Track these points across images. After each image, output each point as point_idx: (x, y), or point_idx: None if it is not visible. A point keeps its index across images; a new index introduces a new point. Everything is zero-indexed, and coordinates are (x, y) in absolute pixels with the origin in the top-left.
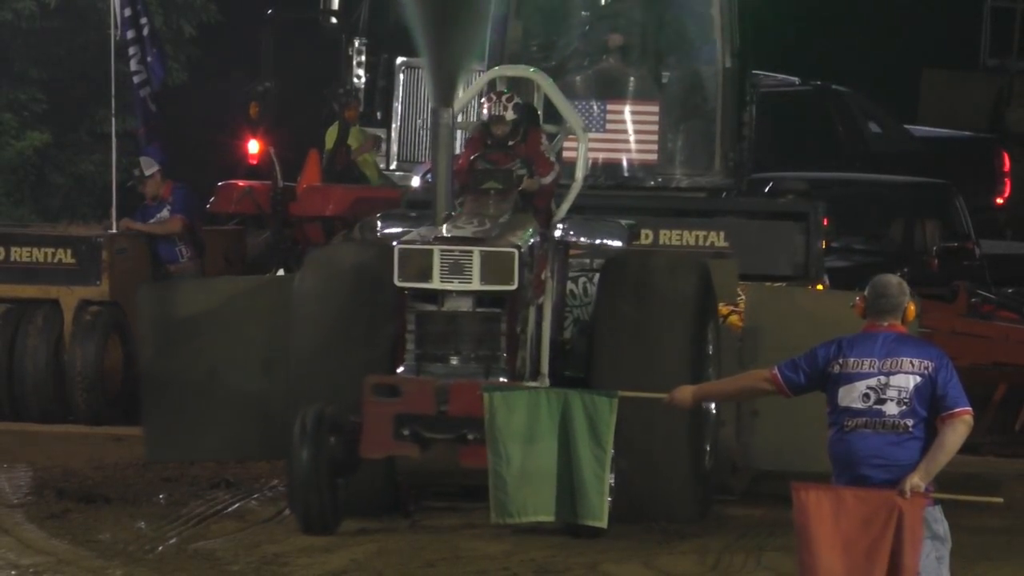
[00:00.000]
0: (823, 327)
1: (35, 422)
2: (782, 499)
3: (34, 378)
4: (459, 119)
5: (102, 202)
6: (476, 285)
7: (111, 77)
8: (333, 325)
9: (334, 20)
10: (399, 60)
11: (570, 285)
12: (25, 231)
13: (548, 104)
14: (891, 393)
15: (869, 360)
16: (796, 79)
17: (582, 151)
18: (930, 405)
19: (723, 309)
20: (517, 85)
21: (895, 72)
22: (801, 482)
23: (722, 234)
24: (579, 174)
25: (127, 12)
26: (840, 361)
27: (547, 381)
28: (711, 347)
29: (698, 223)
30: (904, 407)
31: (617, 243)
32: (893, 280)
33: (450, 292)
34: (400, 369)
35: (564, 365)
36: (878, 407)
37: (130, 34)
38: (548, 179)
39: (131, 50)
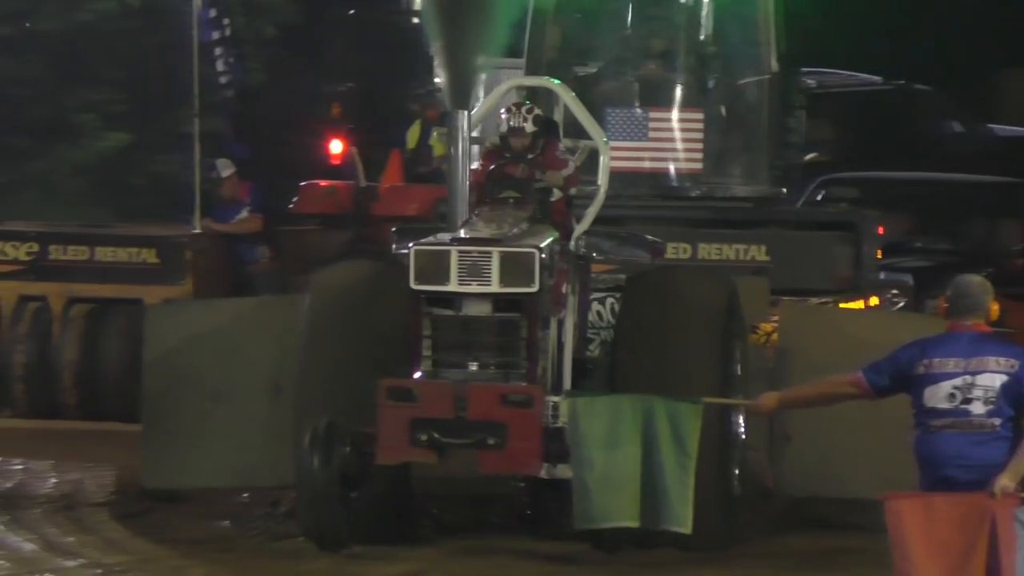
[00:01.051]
0: (857, 347)
1: (117, 421)
2: (812, 526)
3: (115, 377)
4: (476, 132)
5: (181, 202)
6: (495, 287)
7: (194, 78)
8: (342, 344)
9: (415, 20)
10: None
11: (596, 306)
12: (108, 231)
13: (569, 115)
14: (977, 392)
15: (954, 360)
16: (879, 79)
17: (604, 163)
18: (1016, 404)
19: (766, 327)
20: (538, 94)
21: (976, 71)
22: (891, 492)
23: (763, 248)
24: (602, 187)
25: (211, 13)
26: (924, 362)
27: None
28: (739, 367)
29: (738, 236)
30: (991, 406)
31: (643, 257)
32: (976, 280)
33: (467, 296)
34: (416, 375)
35: (588, 383)
36: (964, 407)
37: (215, 35)
38: (568, 170)
39: (216, 51)
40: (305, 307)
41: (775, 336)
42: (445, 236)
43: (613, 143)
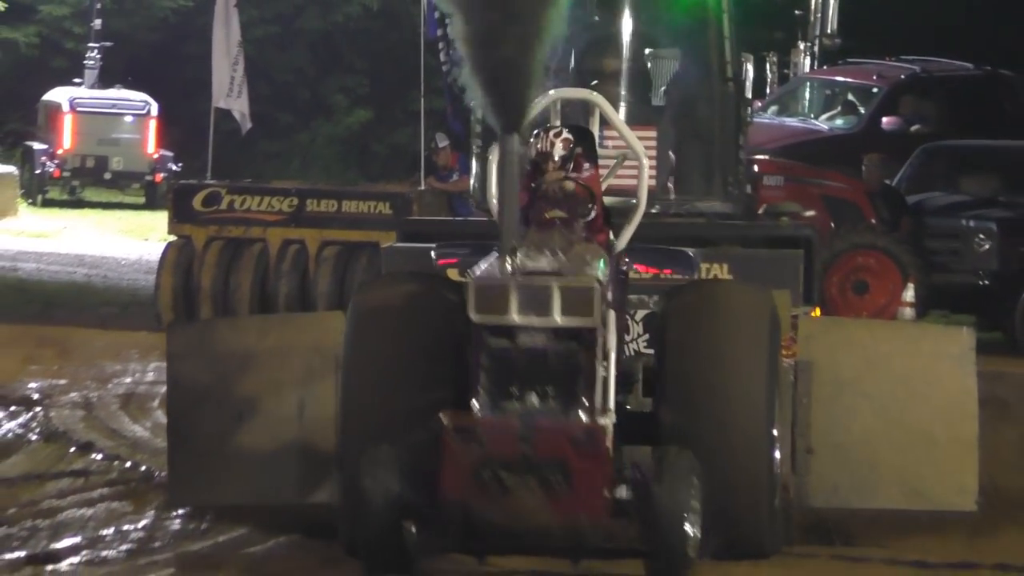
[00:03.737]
0: (877, 360)
1: None
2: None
3: None
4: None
5: (412, 166)
6: (556, 320)
7: (421, 66)
8: (386, 362)
9: None
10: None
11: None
12: (353, 188)
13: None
14: None
15: None
16: (969, 65)
17: (644, 176)
18: None
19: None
20: (575, 105)
21: None
22: None
23: (725, 267)
24: (642, 200)
25: (436, 13)
26: None
27: (614, 417)
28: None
29: (701, 255)
30: None
31: (686, 273)
32: None
33: (526, 328)
34: (476, 407)
35: (625, 399)
36: None
37: (438, 31)
38: (588, 172)
39: (440, 44)
40: (348, 324)
41: (794, 350)
42: (499, 264)
43: None
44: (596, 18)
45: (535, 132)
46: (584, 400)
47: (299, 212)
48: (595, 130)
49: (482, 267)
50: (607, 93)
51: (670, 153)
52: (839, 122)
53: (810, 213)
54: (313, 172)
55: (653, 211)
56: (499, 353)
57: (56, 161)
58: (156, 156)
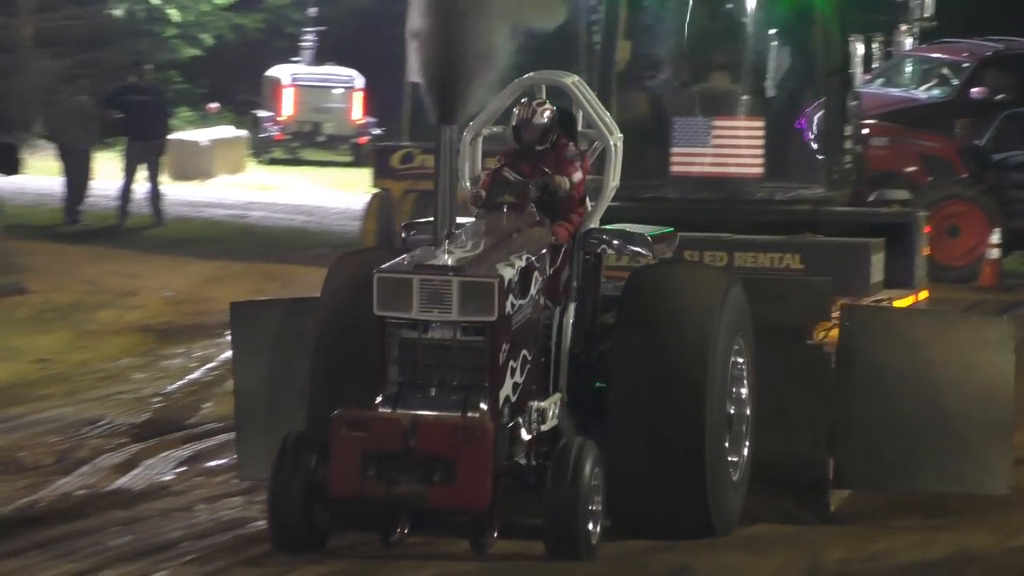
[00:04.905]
0: (916, 347)
1: None
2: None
3: None
4: (493, 130)
5: None
6: (455, 315)
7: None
8: (349, 342)
9: None
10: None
11: None
12: None
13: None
14: None
15: None
16: None
17: (615, 161)
18: None
19: (824, 326)
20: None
21: None
22: None
23: (798, 256)
24: (610, 182)
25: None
26: None
27: (564, 396)
28: (743, 359)
29: (773, 244)
30: None
31: (644, 255)
32: None
33: (428, 322)
34: (378, 399)
35: (591, 379)
36: None
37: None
38: (577, 176)
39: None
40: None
41: (833, 334)
42: (419, 257)
43: (679, 149)
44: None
45: (521, 100)
46: (486, 393)
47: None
48: (581, 115)
49: (395, 261)
50: (715, 84)
51: (773, 141)
52: (935, 92)
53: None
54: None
55: (758, 198)
56: (403, 346)
57: (278, 126)
58: (361, 122)
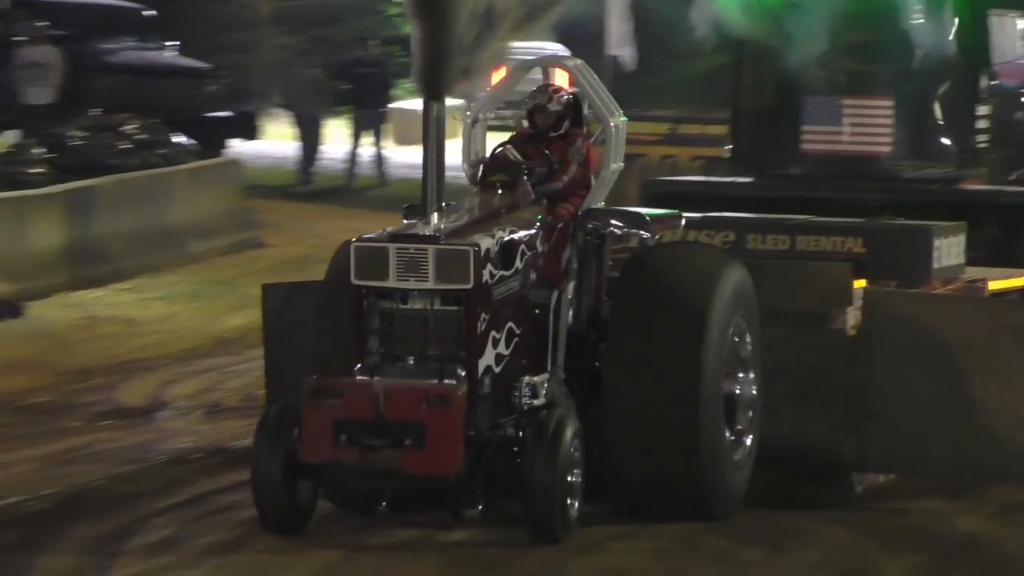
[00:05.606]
0: (937, 331)
1: None
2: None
3: None
4: (492, 115)
5: None
6: (431, 284)
7: None
8: (330, 322)
9: None
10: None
11: None
12: (712, 115)
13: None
14: None
15: None
16: None
17: (616, 142)
18: None
19: (849, 311)
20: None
21: None
22: None
23: (860, 240)
24: (612, 165)
25: None
26: None
27: (561, 374)
28: (747, 339)
29: (834, 227)
30: None
31: (643, 236)
32: None
33: (411, 291)
34: (357, 367)
35: (592, 358)
36: None
37: None
38: (559, 184)
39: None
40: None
41: (856, 318)
42: (398, 229)
43: (810, 127)
44: None
45: (538, 88)
46: (463, 361)
47: (672, 134)
48: (587, 97)
49: (373, 232)
50: (847, 63)
51: (902, 120)
52: None
53: None
54: (685, 103)
55: (886, 176)
56: (383, 315)
57: None
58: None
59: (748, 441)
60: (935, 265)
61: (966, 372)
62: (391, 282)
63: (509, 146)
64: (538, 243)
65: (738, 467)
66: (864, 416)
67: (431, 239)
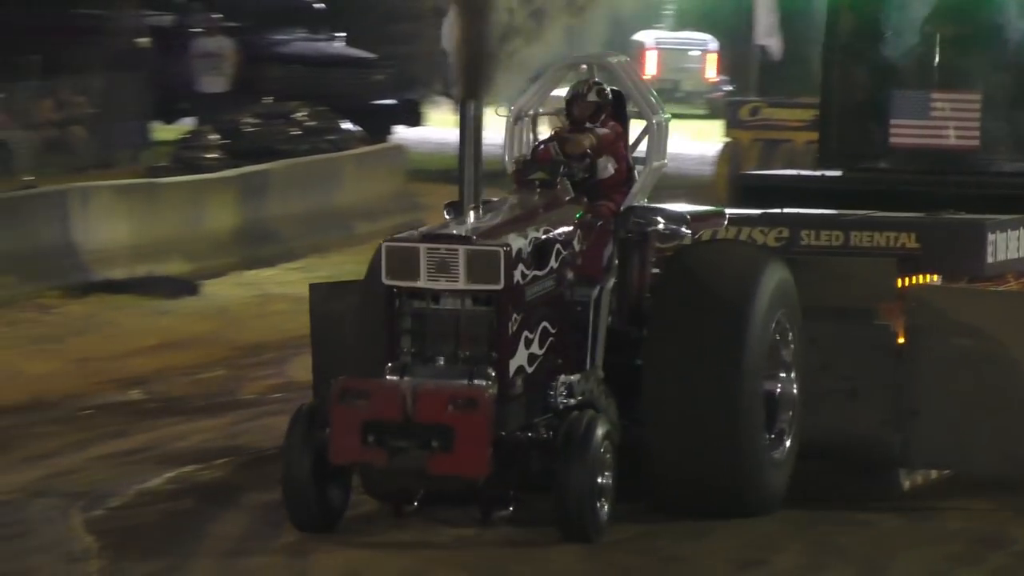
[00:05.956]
0: (980, 328)
1: None
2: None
3: None
4: (538, 111)
5: None
6: (462, 284)
7: None
8: (367, 324)
9: None
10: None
11: None
12: None
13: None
14: None
15: None
16: None
17: (658, 139)
18: None
19: (890, 306)
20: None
21: None
22: None
23: (914, 235)
24: (654, 162)
25: None
26: None
27: (600, 373)
28: (789, 336)
29: (889, 223)
30: None
31: (682, 233)
32: None
33: (444, 291)
34: (388, 367)
35: (633, 356)
36: None
37: None
38: (611, 166)
39: None
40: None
41: (899, 317)
42: (430, 229)
43: (897, 121)
44: None
45: (579, 79)
46: (494, 362)
47: (816, 120)
48: (629, 94)
49: (406, 232)
50: (939, 58)
51: (992, 114)
52: None
53: None
54: None
55: (974, 170)
56: (415, 316)
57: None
58: (714, 80)
59: (788, 440)
60: (990, 259)
61: (1012, 368)
62: (422, 282)
63: (552, 143)
64: (575, 241)
65: (778, 466)
66: (909, 412)
67: (462, 239)
